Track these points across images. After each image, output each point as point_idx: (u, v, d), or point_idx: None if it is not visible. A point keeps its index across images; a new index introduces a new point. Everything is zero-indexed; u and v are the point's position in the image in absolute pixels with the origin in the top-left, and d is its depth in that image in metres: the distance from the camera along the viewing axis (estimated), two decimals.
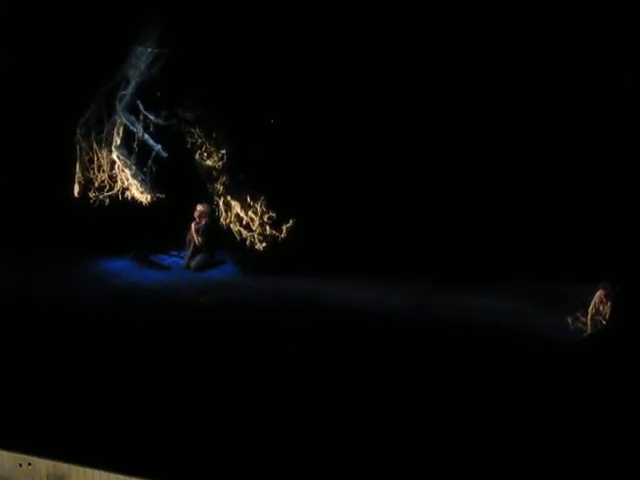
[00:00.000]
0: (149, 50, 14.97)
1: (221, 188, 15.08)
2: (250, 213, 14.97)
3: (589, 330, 12.95)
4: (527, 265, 14.55)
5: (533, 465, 10.22)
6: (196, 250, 15.86)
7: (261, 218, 14.92)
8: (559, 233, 14.62)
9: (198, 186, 15.26)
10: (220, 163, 14.92)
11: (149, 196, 14.87)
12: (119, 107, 14.95)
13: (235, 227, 15.07)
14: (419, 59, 15.03)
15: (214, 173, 15.05)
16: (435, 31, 14.90)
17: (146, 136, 14.84)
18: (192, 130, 14.88)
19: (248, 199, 14.98)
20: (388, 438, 10.59)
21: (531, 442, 10.54)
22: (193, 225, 15.85)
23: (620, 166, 14.45)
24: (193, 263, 15.82)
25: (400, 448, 10.43)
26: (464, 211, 15.20)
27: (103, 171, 15.15)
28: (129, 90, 14.94)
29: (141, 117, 14.87)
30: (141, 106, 14.84)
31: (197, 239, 15.81)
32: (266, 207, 14.90)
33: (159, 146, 14.81)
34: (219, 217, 15.24)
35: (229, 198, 15.09)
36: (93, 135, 15.20)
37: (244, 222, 15.01)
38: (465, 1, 14.87)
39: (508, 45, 14.67)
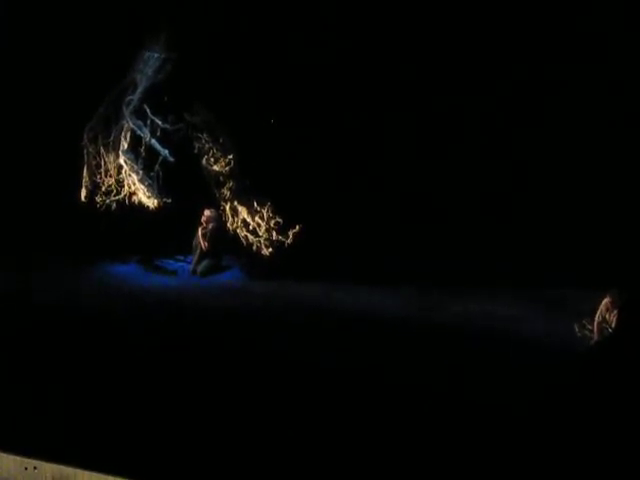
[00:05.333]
0: (156, 55, 14.98)
1: (228, 193, 15.08)
2: (257, 218, 14.97)
3: (595, 338, 12.91)
4: (532, 270, 14.55)
5: (536, 476, 10.19)
6: (203, 255, 15.86)
7: (267, 223, 14.93)
8: (565, 237, 14.60)
9: (205, 191, 15.28)
10: (227, 168, 14.92)
11: (156, 201, 14.86)
12: (126, 112, 14.94)
13: (242, 232, 15.07)
14: (426, 63, 15.05)
15: (221, 178, 15.05)
16: (436, 33, 14.94)
17: (153, 141, 14.84)
18: (199, 135, 14.88)
19: (255, 204, 14.99)
20: (389, 446, 10.55)
21: (535, 452, 10.49)
22: (200, 230, 15.85)
23: (631, 169, 14.47)
24: (199, 268, 15.81)
25: (401, 456, 10.40)
26: (465, 214, 15.22)
27: (110, 176, 15.14)
28: (137, 95, 14.92)
29: (148, 122, 14.86)
30: (148, 111, 14.83)
31: (204, 244, 15.82)
32: (273, 213, 14.91)
33: (166, 151, 14.80)
34: (226, 222, 15.25)
35: (236, 203, 15.09)
36: (100, 140, 15.18)
37: (251, 227, 15.03)
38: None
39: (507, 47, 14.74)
